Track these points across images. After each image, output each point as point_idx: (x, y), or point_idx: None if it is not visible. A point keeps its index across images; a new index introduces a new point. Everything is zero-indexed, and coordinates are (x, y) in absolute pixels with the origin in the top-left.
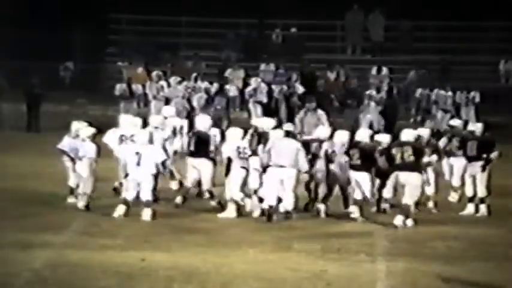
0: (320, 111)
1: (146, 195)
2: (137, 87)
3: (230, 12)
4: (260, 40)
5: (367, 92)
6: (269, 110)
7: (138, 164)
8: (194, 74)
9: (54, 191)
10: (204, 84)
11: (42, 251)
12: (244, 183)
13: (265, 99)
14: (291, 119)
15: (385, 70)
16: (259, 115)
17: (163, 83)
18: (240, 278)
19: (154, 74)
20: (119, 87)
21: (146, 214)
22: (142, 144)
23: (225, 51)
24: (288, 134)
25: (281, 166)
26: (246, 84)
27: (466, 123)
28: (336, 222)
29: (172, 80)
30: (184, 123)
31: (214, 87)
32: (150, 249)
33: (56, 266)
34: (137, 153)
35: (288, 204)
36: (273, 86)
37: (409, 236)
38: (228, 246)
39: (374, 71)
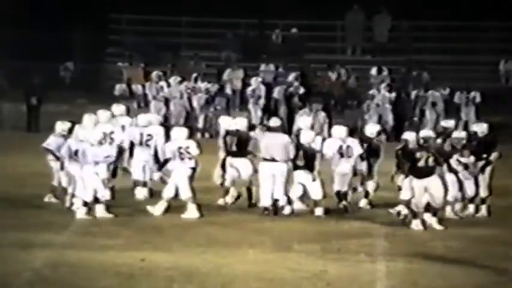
0: (323, 113)
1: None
2: (137, 88)
3: (230, 12)
4: (260, 40)
5: (370, 92)
6: (269, 111)
7: (80, 161)
8: (194, 74)
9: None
10: (204, 85)
11: (43, 251)
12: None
13: (265, 100)
14: (290, 119)
15: (385, 71)
16: (259, 115)
17: (162, 83)
18: (240, 278)
19: (154, 74)
20: (119, 88)
21: (99, 210)
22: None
23: (225, 51)
24: (275, 129)
25: (273, 160)
26: (245, 84)
27: (466, 123)
28: (335, 222)
29: (173, 80)
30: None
31: (214, 87)
32: (150, 249)
33: (56, 266)
34: (79, 151)
35: (281, 200)
36: (273, 86)
37: (409, 236)
38: (228, 246)
39: (374, 71)
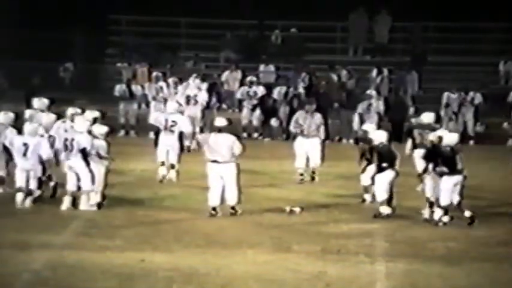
0: (319, 114)
1: (32, 184)
2: (137, 88)
3: (229, 13)
4: (259, 41)
5: (368, 92)
6: (268, 111)
7: (25, 154)
8: (194, 75)
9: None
10: (205, 85)
11: (42, 252)
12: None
13: (258, 100)
14: (290, 119)
15: (385, 71)
16: (258, 116)
17: (162, 83)
18: (240, 279)
19: (153, 75)
20: (119, 88)
21: (27, 202)
22: (29, 135)
23: (225, 52)
24: (220, 130)
25: (216, 162)
26: (243, 85)
27: (464, 124)
28: (335, 223)
29: (192, 79)
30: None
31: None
32: (150, 250)
33: (56, 266)
34: (25, 144)
35: (231, 200)
36: (272, 87)
37: (409, 237)
38: (227, 247)
39: (374, 72)
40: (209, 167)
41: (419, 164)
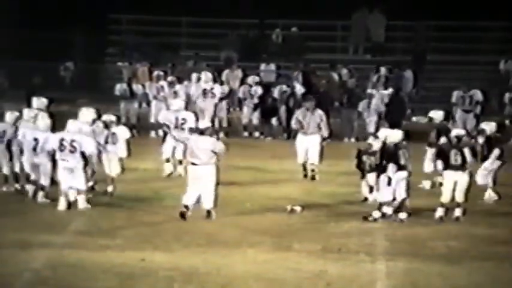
0: (320, 111)
1: (43, 180)
2: (137, 87)
3: (230, 12)
4: (260, 40)
5: (368, 91)
6: (269, 110)
7: (35, 149)
8: (195, 74)
9: (54, 191)
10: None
11: (42, 251)
12: None
13: (258, 99)
14: (290, 119)
15: (383, 70)
16: (258, 116)
17: (163, 83)
18: (240, 279)
19: (154, 74)
20: (119, 87)
21: (40, 197)
22: (41, 131)
23: (225, 51)
24: (202, 132)
25: (195, 164)
26: (244, 84)
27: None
28: (335, 222)
29: (203, 74)
30: None
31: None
32: (150, 249)
33: (56, 266)
34: (35, 139)
35: (207, 204)
36: (273, 86)
37: (409, 235)
38: (228, 246)
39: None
40: (188, 169)
41: (428, 164)
